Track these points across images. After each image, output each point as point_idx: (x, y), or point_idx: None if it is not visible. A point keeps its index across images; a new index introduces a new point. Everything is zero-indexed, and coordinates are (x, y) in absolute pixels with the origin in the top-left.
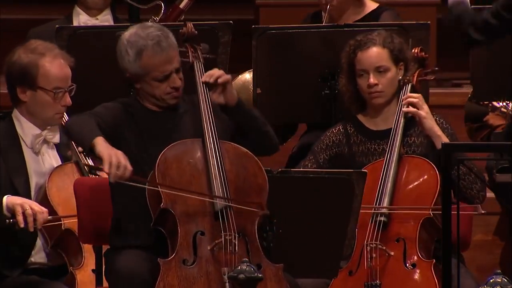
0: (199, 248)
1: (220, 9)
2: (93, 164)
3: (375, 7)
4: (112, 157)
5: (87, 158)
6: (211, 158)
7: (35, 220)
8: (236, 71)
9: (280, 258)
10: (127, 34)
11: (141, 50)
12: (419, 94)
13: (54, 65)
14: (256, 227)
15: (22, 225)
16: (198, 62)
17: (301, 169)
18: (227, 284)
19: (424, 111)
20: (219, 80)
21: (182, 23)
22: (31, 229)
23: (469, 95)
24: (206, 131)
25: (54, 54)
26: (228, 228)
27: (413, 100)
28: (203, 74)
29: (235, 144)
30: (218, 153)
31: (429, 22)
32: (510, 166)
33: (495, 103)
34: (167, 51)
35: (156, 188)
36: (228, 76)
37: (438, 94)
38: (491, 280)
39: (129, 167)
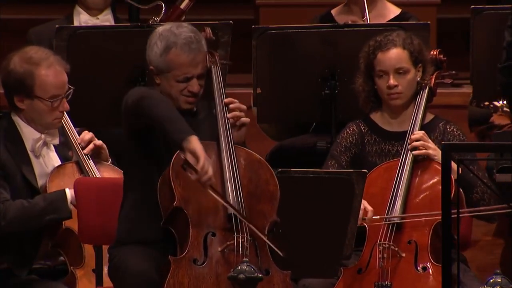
0: (210, 248)
1: (220, 9)
2: (95, 168)
3: (398, 12)
4: (206, 160)
5: (88, 157)
6: (225, 161)
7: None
8: (236, 71)
9: (280, 258)
10: (161, 28)
11: (170, 46)
12: (422, 132)
13: (50, 75)
14: (266, 233)
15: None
16: (216, 67)
17: (301, 169)
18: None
19: (432, 149)
20: (238, 122)
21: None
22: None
23: (470, 98)
24: (221, 134)
25: (49, 63)
26: (241, 231)
27: (417, 143)
28: (220, 78)
29: (249, 150)
30: (233, 157)
31: (429, 22)
32: (510, 166)
33: (495, 103)
34: (194, 54)
35: (227, 205)
36: (247, 120)
37: (438, 94)
38: (491, 280)
39: (212, 178)
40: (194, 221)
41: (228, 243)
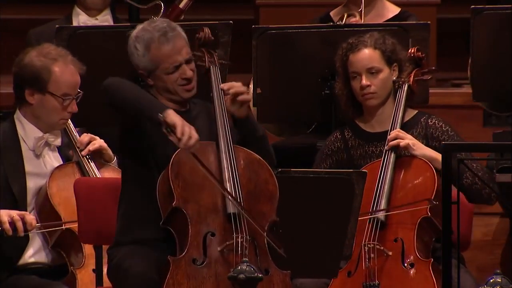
0: (209, 248)
1: (220, 9)
2: (95, 168)
3: (398, 11)
4: (185, 127)
5: (89, 159)
6: (224, 161)
7: (24, 224)
8: (236, 71)
9: (280, 258)
10: (135, 31)
11: (148, 43)
12: (396, 130)
13: (66, 72)
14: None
15: (10, 233)
16: (214, 67)
17: (301, 169)
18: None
19: (407, 142)
20: (239, 98)
21: (181, 22)
22: (21, 233)
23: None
24: (220, 134)
25: (67, 61)
26: (240, 231)
27: (394, 142)
28: (219, 79)
29: (248, 150)
30: (232, 157)
31: (429, 22)
32: (510, 166)
33: None
34: (174, 41)
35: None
36: (249, 97)
37: (438, 94)
38: (491, 280)
39: (198, 140)
40: (193, 221)
41: (227, 243)
